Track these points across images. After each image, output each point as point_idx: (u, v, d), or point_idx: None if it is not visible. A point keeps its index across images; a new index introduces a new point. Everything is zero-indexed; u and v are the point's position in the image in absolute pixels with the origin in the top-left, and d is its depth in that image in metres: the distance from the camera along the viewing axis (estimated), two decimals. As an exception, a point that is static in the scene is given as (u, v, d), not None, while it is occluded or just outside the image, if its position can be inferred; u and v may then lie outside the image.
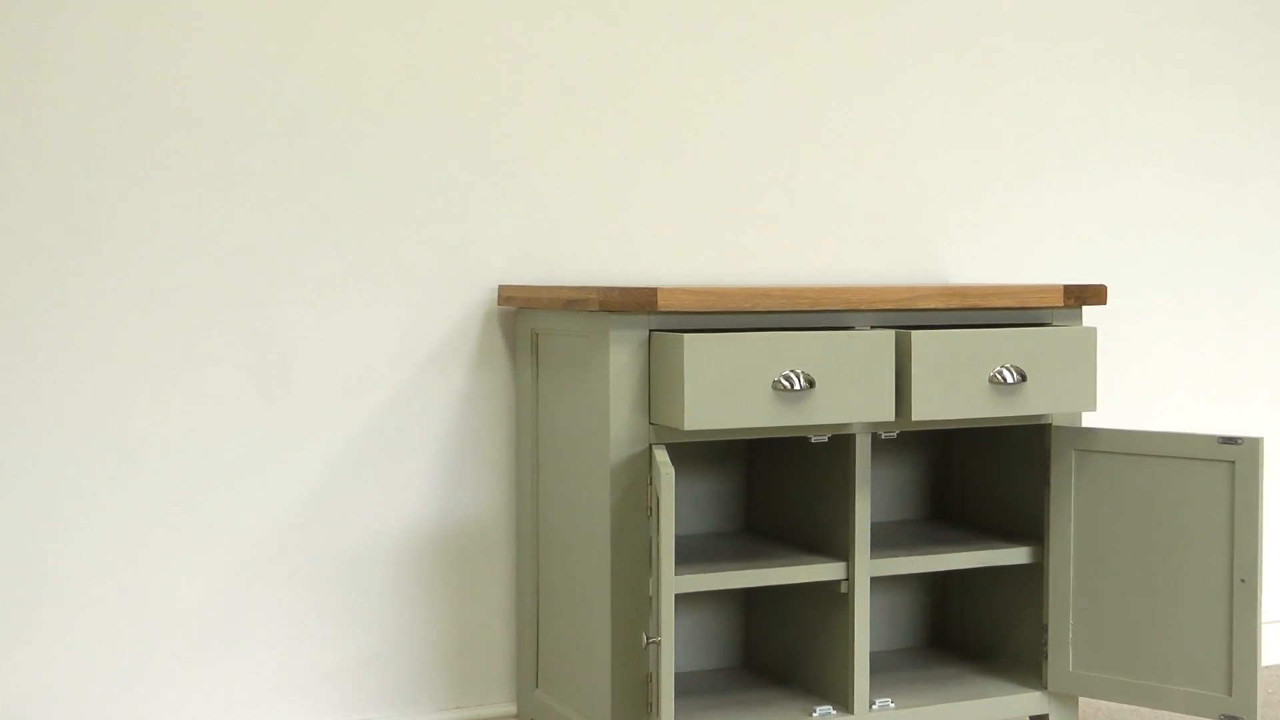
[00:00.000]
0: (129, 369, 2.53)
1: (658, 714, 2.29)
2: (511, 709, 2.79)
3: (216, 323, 2.58)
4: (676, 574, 2.47)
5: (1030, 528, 2.84)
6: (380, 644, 2.70)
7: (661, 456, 2.35)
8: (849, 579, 2.57)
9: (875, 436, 2.97)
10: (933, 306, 2.57)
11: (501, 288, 2.70)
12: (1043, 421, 2.71)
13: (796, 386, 2.37)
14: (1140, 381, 3.31)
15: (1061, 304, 2.67)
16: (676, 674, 2.84)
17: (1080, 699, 3.09)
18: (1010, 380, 2.52)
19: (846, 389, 2.42)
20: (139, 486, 2.54)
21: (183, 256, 2.55)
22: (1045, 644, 2.73)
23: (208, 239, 2.57)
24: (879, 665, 2.90)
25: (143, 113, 2.51)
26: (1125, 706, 3.06)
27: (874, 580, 3.00)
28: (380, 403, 2.68)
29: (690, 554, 2.64)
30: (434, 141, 2.70)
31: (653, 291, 2.38)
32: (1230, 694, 2.54)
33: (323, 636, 2.67)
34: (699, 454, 2.86)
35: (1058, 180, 3.21)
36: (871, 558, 2.62)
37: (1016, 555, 2.72)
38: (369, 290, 2.67)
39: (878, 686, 2.75)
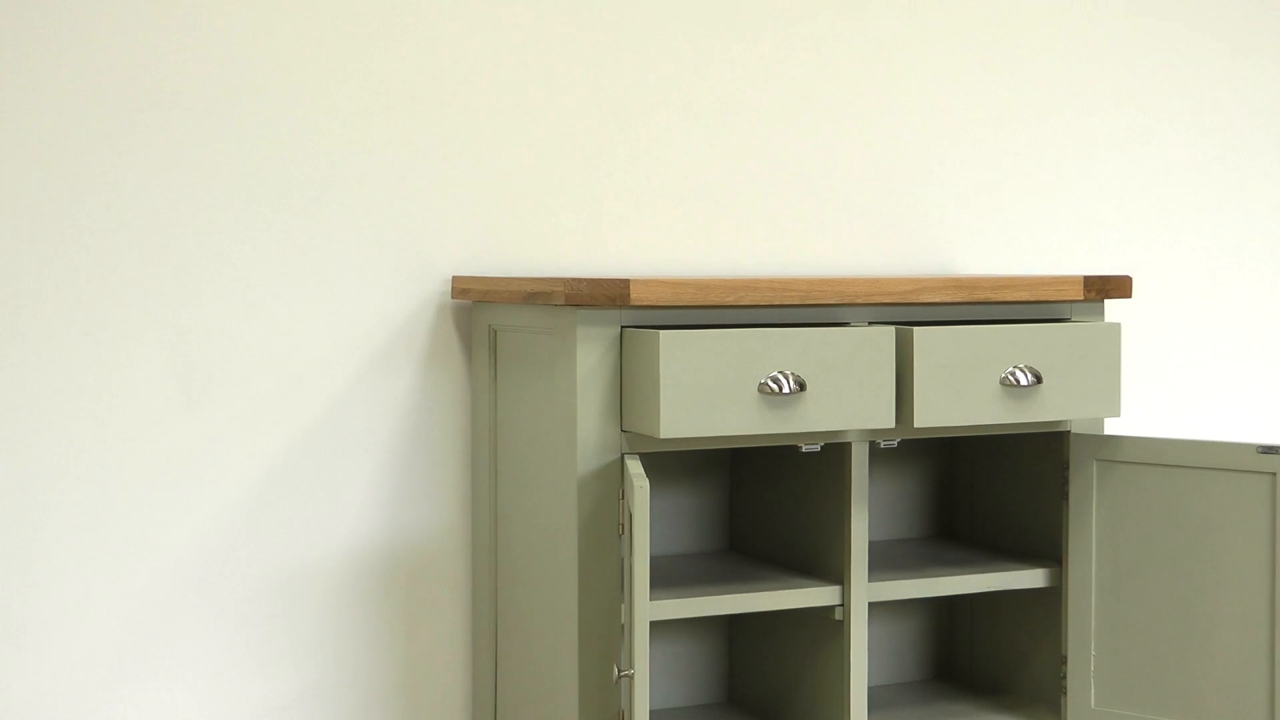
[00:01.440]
0: (32, 370, 2.51)
1: (630, 758, 2.30)
2: (468, 751, 2.80)
3: (132, 320, 2.57)
4: (652, 599, 2.49)
5: (1047, 547, 2.86)
6: (320, 677, 2.70)
7: (635, 468, 2.36)
8: (844, 604, 2.59)
9: (873, 445, 3.00)
10: (937, 300, 2.59)
11: (455, 279, 2.71)
12: (1060, 428, 2.72)
13: (785, 389, 2.38)
14: (1169, 383, 3.32)
15: (1081, 297, 2.69)
16: (652, 711, 2.86)
17: (1101, 737, 3.10)
18: (1024, 382, 2.53)
19: (841, 392, 2.43)
20: (43, 504, 2.53)
21: (94, 245, 2.55)
22: (1064, 677, 2.75)
23: (120, 225, 2.56)
24: (878, 701, 2.92)
25: (50, 93, 2.51)
26: (1151, 745, 3.07)
27: (872, 606, 3.03)
28: (318, 408, 2.68)
29: (667, 577, 2.65)
30: (377, 116, 2.70)
31: (625, 283, 2.39)
32: (1270, 733, 2.56)
33: (255, 670, 2.66)
34: (677, 465, 2.86)
35: (1077, 160, 3.22)
36: (869, 581, 2.64)
37: (1031, 578, 2.74)
38: (304, 282, 2.66)
39: (877, 725, 2.78)
